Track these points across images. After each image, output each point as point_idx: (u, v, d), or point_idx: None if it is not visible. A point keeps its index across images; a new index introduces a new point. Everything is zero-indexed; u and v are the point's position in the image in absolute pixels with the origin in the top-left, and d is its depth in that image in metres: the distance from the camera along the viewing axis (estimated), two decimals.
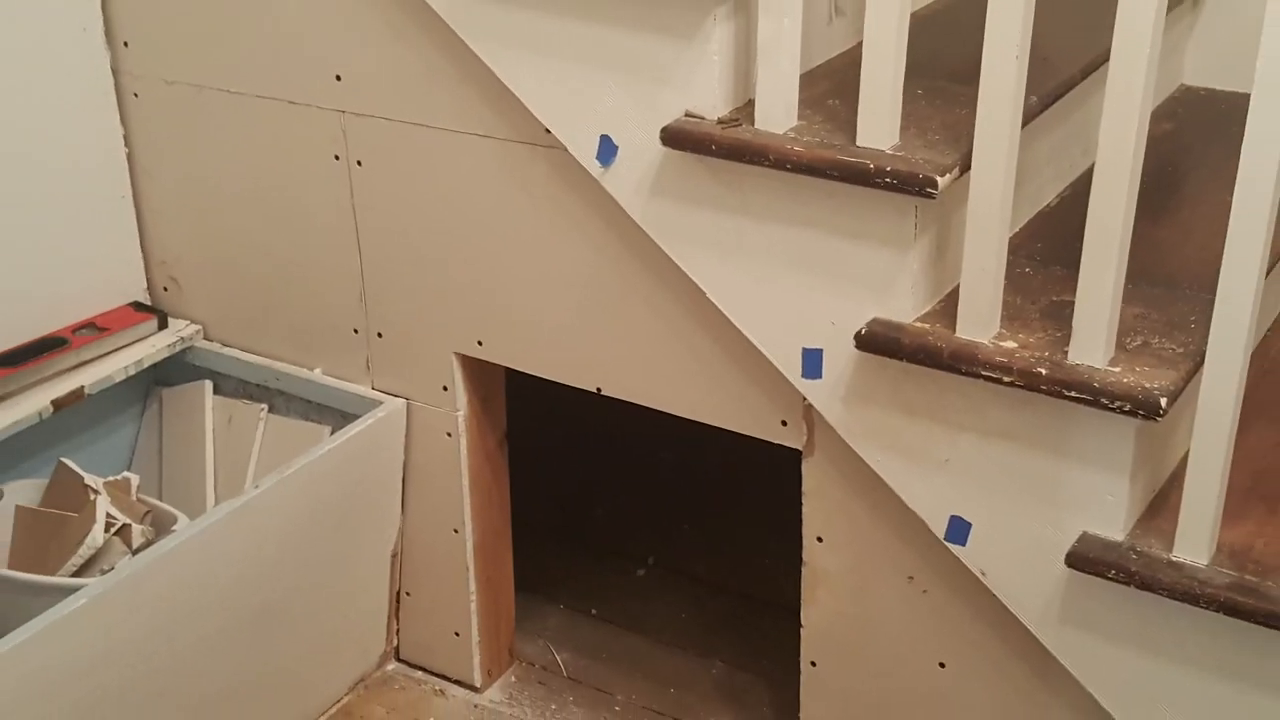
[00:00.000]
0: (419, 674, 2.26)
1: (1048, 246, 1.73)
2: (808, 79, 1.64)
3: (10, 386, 2.04)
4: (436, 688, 2.23)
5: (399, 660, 2.28)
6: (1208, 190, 1.86)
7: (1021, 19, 1.39)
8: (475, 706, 2.19)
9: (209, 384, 2.27)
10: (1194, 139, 2.01)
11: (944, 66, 1.71)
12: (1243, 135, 1.32)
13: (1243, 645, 1.47)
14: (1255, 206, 1.34)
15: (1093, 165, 1.42)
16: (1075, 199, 1.83)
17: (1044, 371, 1.48)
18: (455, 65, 1.82)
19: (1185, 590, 1.46)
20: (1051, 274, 1.66)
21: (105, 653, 1.74)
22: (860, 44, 1.53)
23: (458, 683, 2.23)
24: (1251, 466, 1.61)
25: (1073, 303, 1.49)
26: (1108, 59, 1.37)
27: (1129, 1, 1.34)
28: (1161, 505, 1.58)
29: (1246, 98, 1.30)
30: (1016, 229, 1.72)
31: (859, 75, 1.53)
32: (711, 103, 1.62)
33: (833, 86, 1.68)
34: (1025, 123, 1.50)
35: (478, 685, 2.22)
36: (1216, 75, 2.15)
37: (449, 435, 2.08)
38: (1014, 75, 1.41)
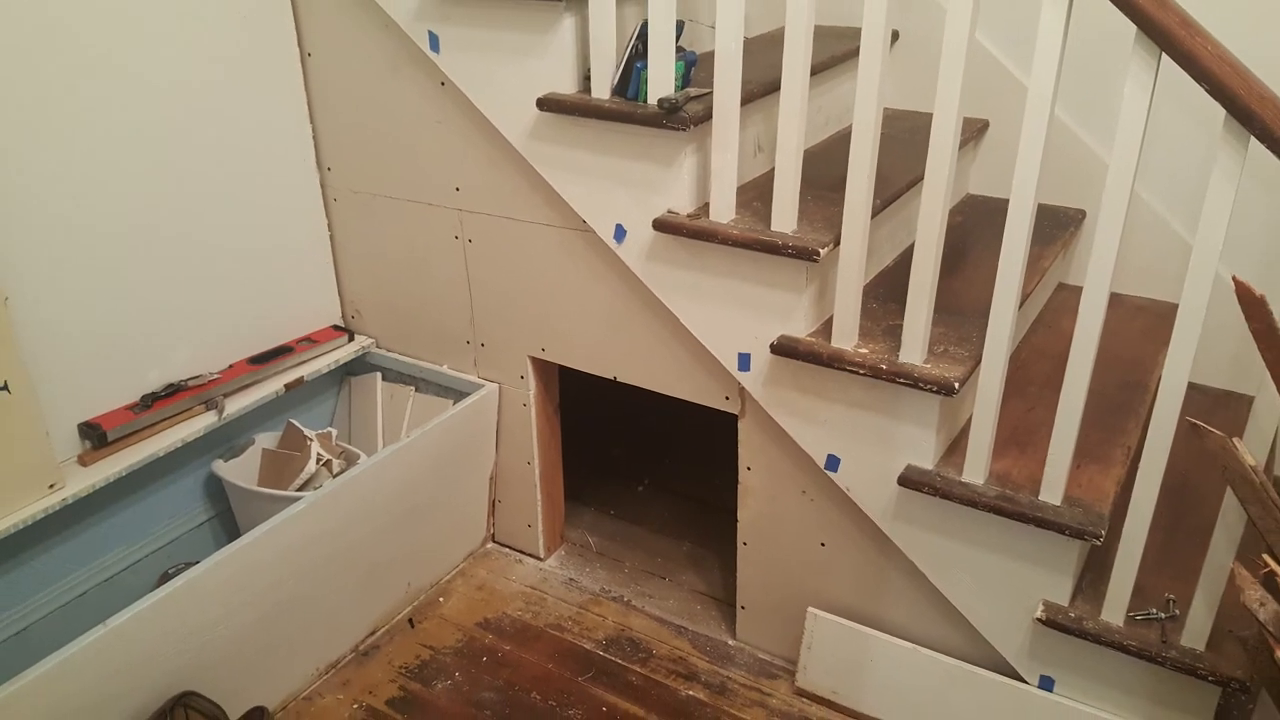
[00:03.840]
0: (506, 550, 2.24)
1: (887, 291, 1.72)
2: (741, 190, 1.64)
3: (260, 376, 2.03)
4: (516, 558, 2.21)
5: (494, 541, 2.27)
6: (984, 258, 1.86)
7: (870, 154, 1.39)
8: (540, 569, 2.18)
9: (379, 375, 2.26)
10: (976, 227, 2.00)
11: (824, 182, 1.71)
12: (1004, 226, 1.32)
13: (1004, 532, 1.47)
14: (1011, 268, 1.34)
15: (914, 242, 1.42)
16: (903, 262, 1.83)
17: (885, 367, 1.48)
18: (528, 181, 1.82)
19: (970, 499, 1.46)
20: (889, 308, 1.65)
21: (316, 536, 1.74)
22: (773, 169, 1.52)
23: (529, 555, 2.22)
24: (1010, 425, 1.62)
25: (902, 325, 1.49)
26: (923, 177, 1.37)
27: (936, 145, 1.34)
28: (955, 448, 1.58)
29: (1007, 202, 1.30)
30: (868, 280, 1.72)
31: (773, 188, 1.53)
32: (683, 204, 1.61)
33: (757, 194, 1.67)
34: (873, 216, 1.49)
35: (541, 556, 2.21)
36: (991, 187, 2.14)
37: (524, 405, 2.07)
38: (866, 188, 1.41)
